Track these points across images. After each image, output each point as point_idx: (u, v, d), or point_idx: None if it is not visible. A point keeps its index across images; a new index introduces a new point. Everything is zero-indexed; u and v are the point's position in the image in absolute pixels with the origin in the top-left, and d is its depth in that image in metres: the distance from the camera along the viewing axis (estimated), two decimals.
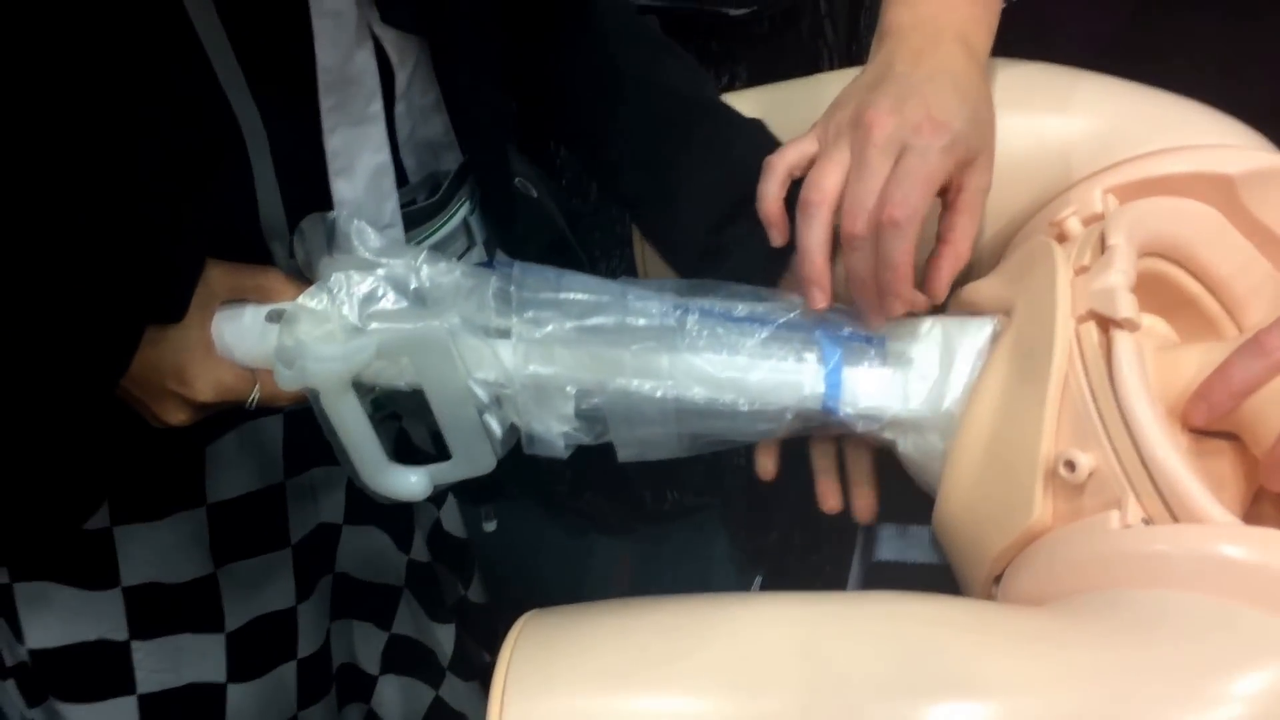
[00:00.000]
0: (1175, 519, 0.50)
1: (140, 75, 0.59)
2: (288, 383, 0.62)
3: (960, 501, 0.58)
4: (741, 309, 0.64)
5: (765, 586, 1.16)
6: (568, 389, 0.62)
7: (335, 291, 0.63)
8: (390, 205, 0.72)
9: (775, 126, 0.74)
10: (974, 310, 0.63)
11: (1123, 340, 0.52)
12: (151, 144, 0.61)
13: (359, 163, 0.69)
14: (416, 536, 0.98)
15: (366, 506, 0.90)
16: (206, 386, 0.64)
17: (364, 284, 0.63)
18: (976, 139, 0.61)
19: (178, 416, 0.66)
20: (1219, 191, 0.61)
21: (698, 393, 0.61)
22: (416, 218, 0.75)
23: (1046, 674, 0.46)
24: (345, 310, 0.62)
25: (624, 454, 0.64)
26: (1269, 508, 0.55)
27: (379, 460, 0.66)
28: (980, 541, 0.57)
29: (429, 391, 0.63)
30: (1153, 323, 0.62)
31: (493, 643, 1.14)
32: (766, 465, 0.70)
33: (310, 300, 0.63)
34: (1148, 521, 0.50)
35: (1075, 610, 0.50)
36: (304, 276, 0.67)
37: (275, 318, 0.64)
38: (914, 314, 0.63)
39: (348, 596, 0.96)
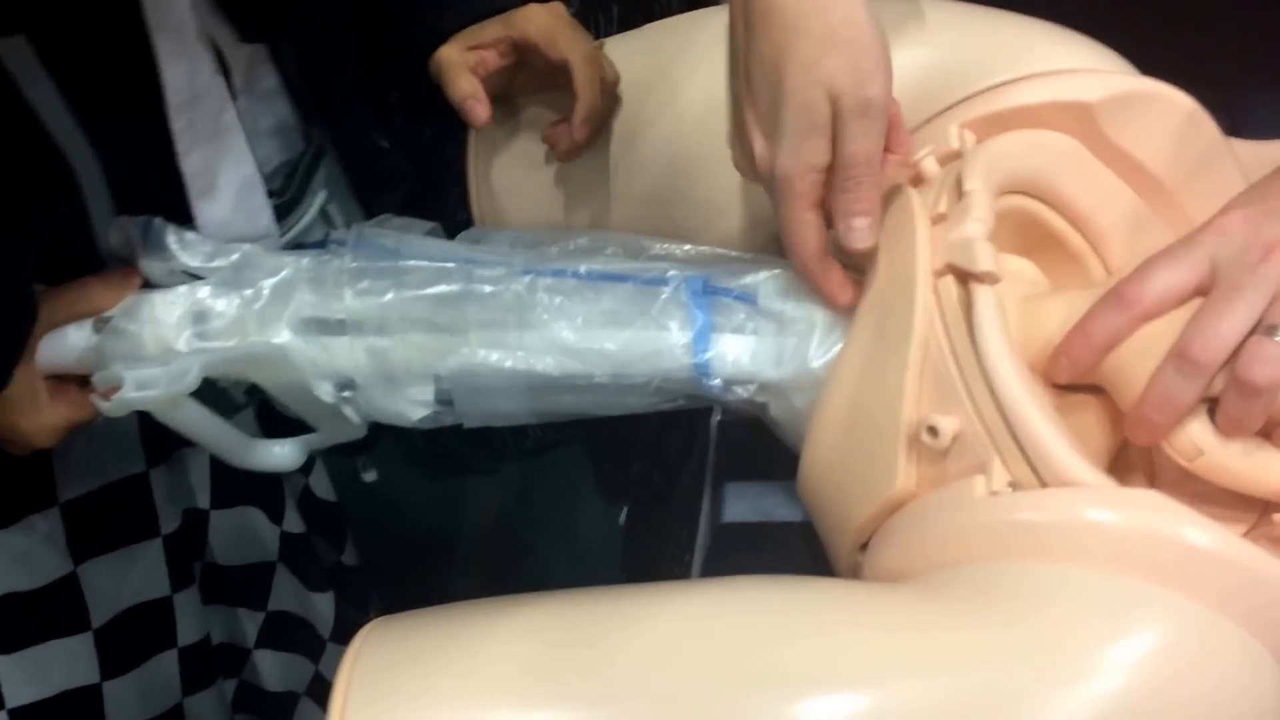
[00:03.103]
0: (1043, 483, 0.47)
1: None
2: (112, 411, 0.57)
3: (823, 468, 0.55)
4: (597, 267, 0.59)
5: (631, 518, 1.14)
6: (422, 375, 0.58)
7: (150, 309, 0.58)
8: (264, 219, 0.68)
9: (653, 70, 0.70)
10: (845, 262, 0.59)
11: (982, 295, 0.49)
12: None
13: (222, 180, 0.65)
14: (289, 507, 0.94)
15: (233, 487, 0.87)
16: (45, 436, 0.61)
17: (184, 298, 0.58)
18: None
19: (27, 452, 0.63)
20: (1078, 120, 0.58)
21: (550, 364, 0.56)
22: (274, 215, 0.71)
23: (910, 663, 0.44)
24: (164, 330, 0.57)
25: (470, 422, 0.60)
26: (1138, 458, 0.53)
27: (241, 443, 0.65)
28: (844, 510, 0.54)
29: (273, 393, 0.60)
30: (1020, 266, 0.60)
31: (368, 606, 1.12)
32: None
33: (126, 321, 0.58)
34: (1014, 486, 0.48)
35: (938, 587, 0.47)
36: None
37: (101, 326, 0.59)
38: (784, 267, 0.59)
39: (218, 583, 0.92)
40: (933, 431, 0.49)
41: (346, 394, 0.58)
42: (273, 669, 1.00)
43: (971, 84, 0.60)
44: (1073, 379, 0.52)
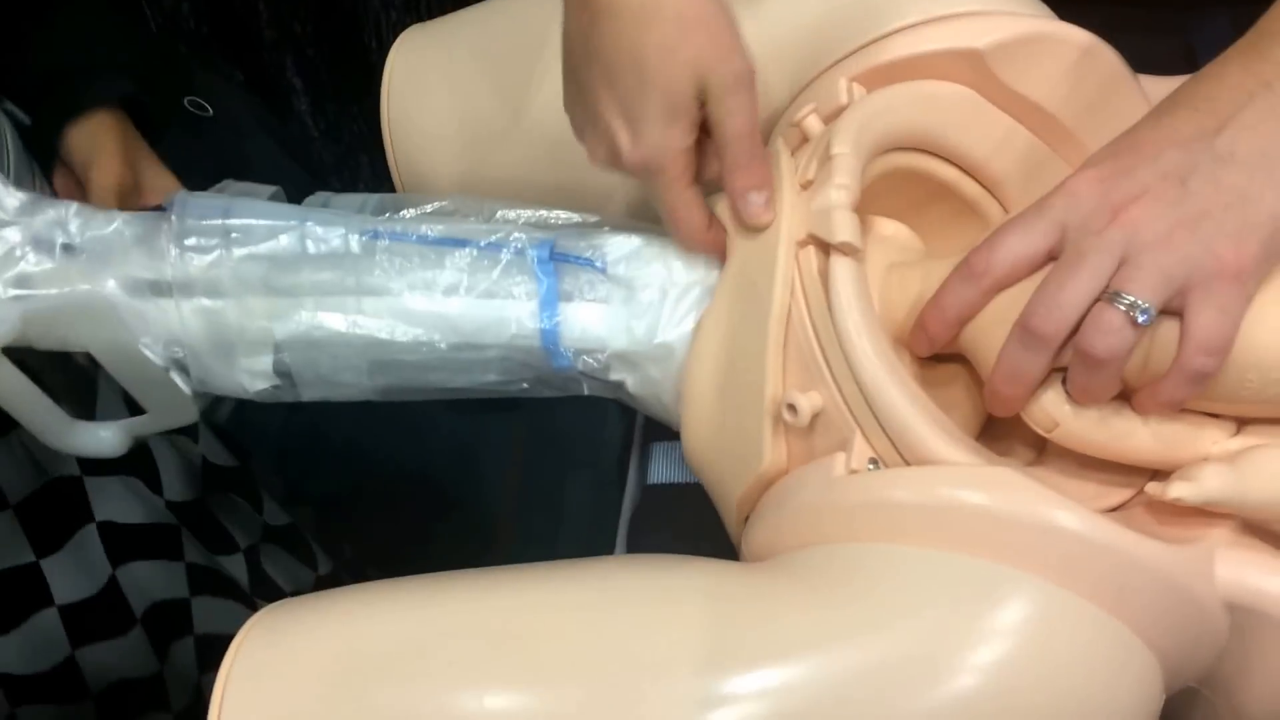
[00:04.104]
0: (906, 461, 0.46)
1: None
2: None
3: (699, 444, 0.54)
4: (441, 229, 0.57)
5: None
6: (259, 341, 0.55)
7: None
8: None
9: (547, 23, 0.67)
10: None
11: (840, 267, 0.47)
12: None
13: None
14: (169, 477, 0.94)
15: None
16: None
17: (2, 245, 0.54)
18: None
19: None
20: (969, 67, 0.55)
21: (389, 330, 0.55)
22: None
23: (743, 648, 0.43)
24: None
25: (309, 394, 0.58)
26: (1021, 426, 0.52)
27: (58, 421, 0.60)
28: (722, 485, 0.53)
29: (99, 357, 0.56)
30: (894, 231, 0.58)
31: (313, 560, 1.13)
32: None
33: None
34: (877, 463, 0.47)
35: (792, 568, 0.46)
36: None
37: None
38: (635, 233, 0.57)
39: (124, 540, 0.93)
40: (792, 409, 0.47)
41: (178, 353, 0.56)
42: (210, 614, 1.02)
43: (865, 34, 0.57)
44: (932, 352, 0.50)
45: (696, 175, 0.54)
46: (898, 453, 0.46)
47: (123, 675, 0.94)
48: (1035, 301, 0.45)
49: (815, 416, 0.47)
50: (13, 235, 0.55)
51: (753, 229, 0.53)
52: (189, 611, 1.01)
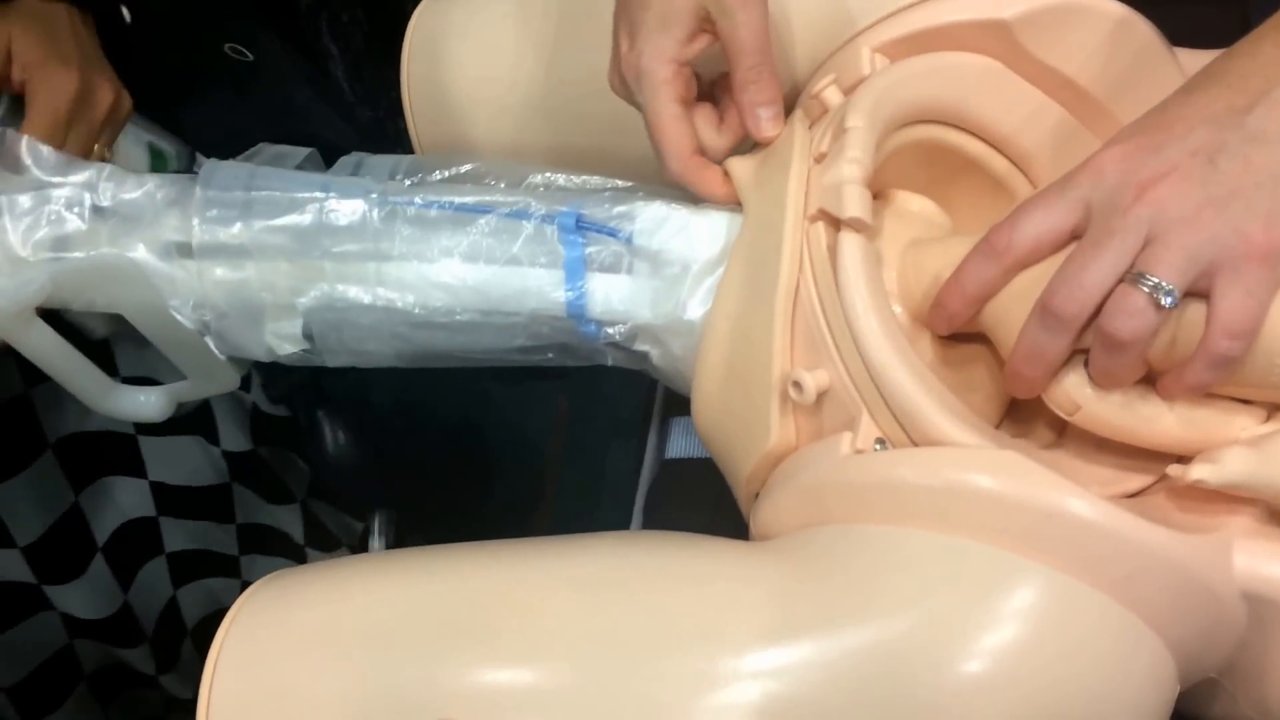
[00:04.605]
0: (913, 442, 0.45)
1: None
2: None
3: (709, 419, 0.53)
4: (465, 197, 0.56)
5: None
6: (286, 307, 0.56)
7: None
8: None
9: None
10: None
11: (847, 243, 0.46)
12: None
13: None
14: (225, 426, 0.95)
15: None
16: None
17: (31, 207, 0.55)
18: None
19: None
20: (997, 39, 0.54)
21: (410, 300, 0.54)
22: None
23: (751, 634, 0.43)
24: (10, 238, 0.55)
25: (333, 361, 0.58)
26: (1042, 407, 0.50)
27: (98, 384, 0.61)
28: (732, 461, 0.52)
29: (133, 320, 0.57)
30: (921, 207, 0.56)
31: (363, 511, 1.14)
32: None
33: None
34: (884, 443, 0.46)
35: (794, 548, 0.46)
36: None
37: None
38: (663, 201, 0.57)
39: (172, 500, 0.95)
40: (798, 387, 0.46)
41: (206, 316, 0.56)
42: (265, 571, 1.04)
43: (888, 3, 0.56)
44: (951, 330, 0.49)
45: (690, 98, 0.54)
46: (905, 433, 0.45)
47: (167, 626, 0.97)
48: (1056, 281, 0.43)
49: (823, 394, 0.46)
50: (45, 197, 0.56)
51: (762, 143, 0.54)
52: (238, 569, 1.03)
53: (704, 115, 0.56)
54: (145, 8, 0.86)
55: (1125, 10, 0.53)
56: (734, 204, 0.55)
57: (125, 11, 0.78)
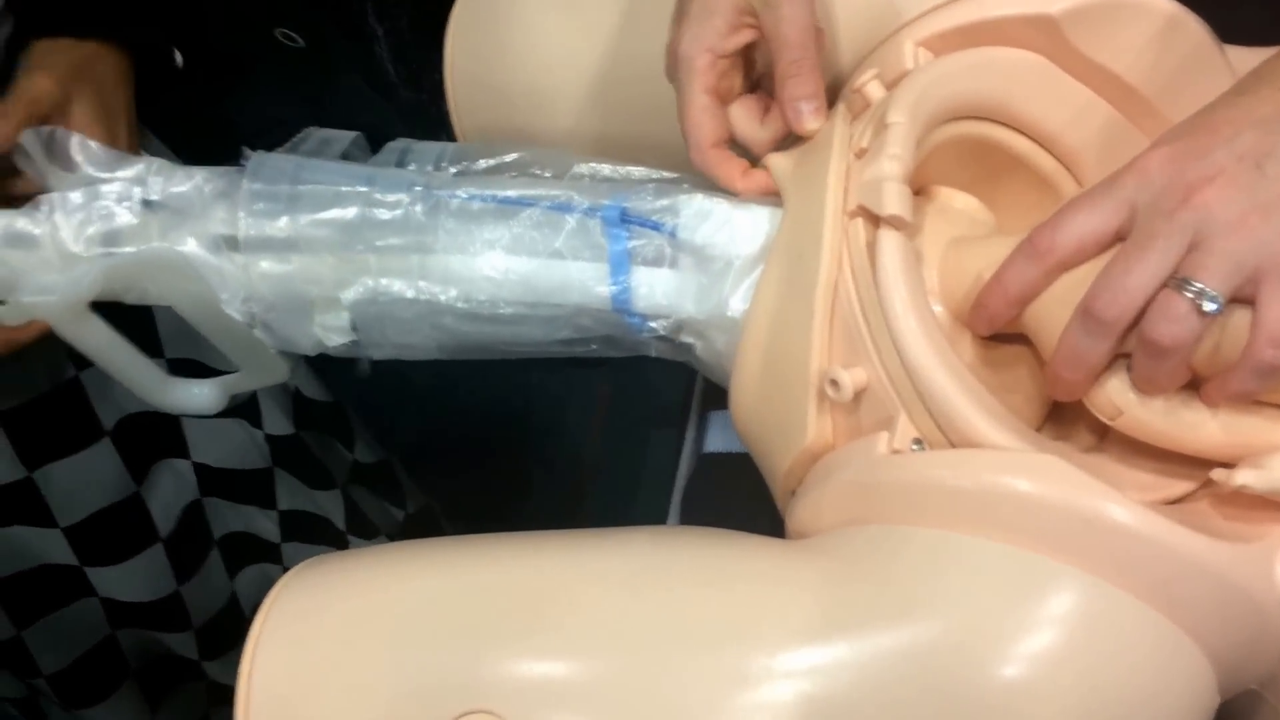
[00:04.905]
0: (951, 443, 0.44)
1: None
2: (7, 317, 0.56)
3: (746, 416, 0.53)
4: (509, 190, 0.57)
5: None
6: (331, 301, 0.56)
7: (49, 213, 0.56)
8: None
9: None
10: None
11: (887, 240, 0.46)
12: None
13: None
14: (268, 410, 0.96)
15: None
16: None
17: (82, 204, 0.56)
18: None
19: None
20: (1043, 34, 0.53)
21: (453, 295, 0.55)
22: None
23: (786, 634, 0.42)
24: (63, 235, 0.56)
25: (377, 354, 0.58)
26: (1081, 411, 0.50)
27: (156, 378, 0.62)
28: (769, 458, 0.52)
29: (183, 312, 0.58)
30: (965, 205, 0.55)
31: (403, 499, 1.14)
32: None
33: (21, 222, 0.56)
34: (921, 444, 0.45)
35: (830, 548, 0.45)
36: None
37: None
38: (706, 194, 0.56)
39: (215, 482, 0.96)
40: (835, 385, 0.46)
41: (254, 309, 0.57)
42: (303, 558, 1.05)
43: None
44: (991, 331, 0.48)
45: (723, 90, 0.55)
46: (943, 434, 0.44)
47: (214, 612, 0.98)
48: (1099, 284, 0.43)
49: (860, 393, 0.46)
50: (95, 193, 0.57)
51: (803, 137, 0.53)
52: (279, 556, 1.04)
53: (747, 107, 0.56)
54: None
55: (1176, 7, 0.53)
56: (770, 196, 0.54)
57: (178, 55, 0.79)
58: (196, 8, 0.81)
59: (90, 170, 0.58)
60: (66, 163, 0.58)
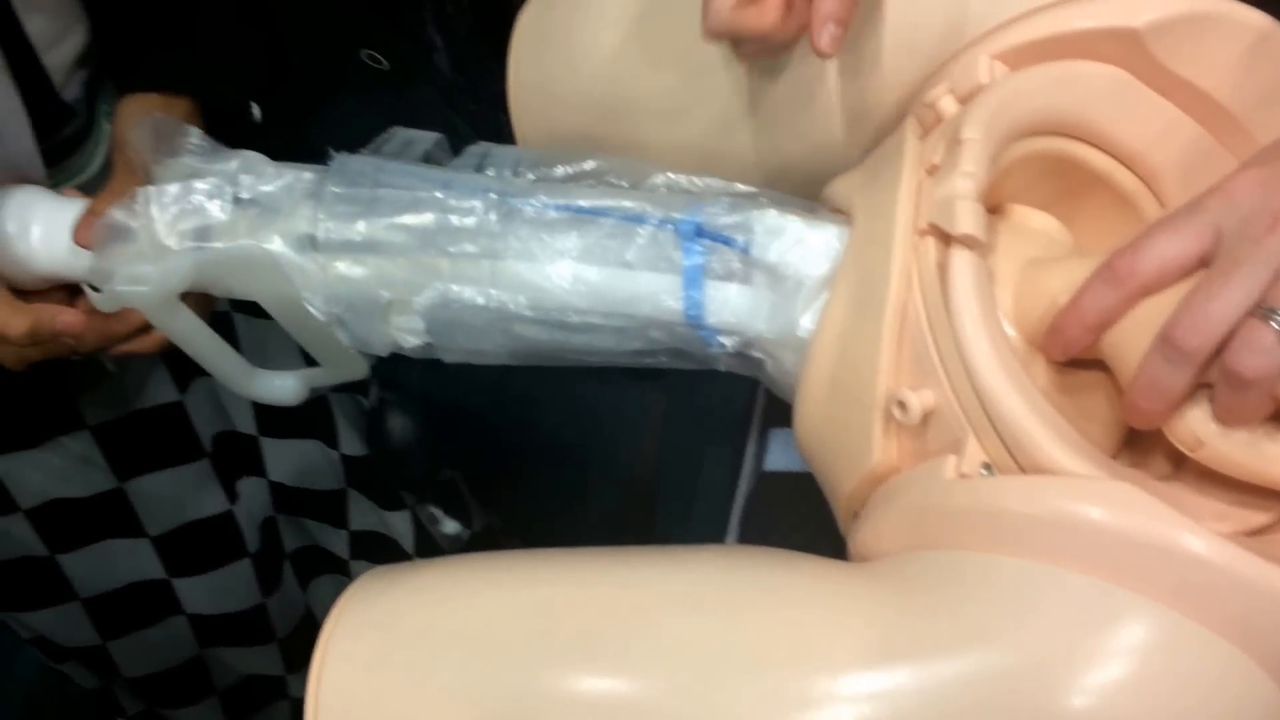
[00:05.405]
0: (1021, 468, 0.43)
1: None
2: (101, 304, 0.58)
3: (810, 436, 0.52)
4: (584, 200, 0.56)
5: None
6: (405, 304, 0.57)
7: (145, 206, 0.57)
8: (24, 146, 0.68)
9: None
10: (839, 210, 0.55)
11: (958, 260, 0.45)
12: None
13: None
14: (346, 431, 0.97)
15: (278, 418, 0.91)
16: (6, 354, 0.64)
17: (177, 198, 0.57)
18: None
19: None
20: (1126, 48, 0.52)
21: (523, 303, 0.55)
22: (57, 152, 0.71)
23: (844, 658, 0.42)
24: (157, 228, 0.57)
25: (449, 357, 0.59)
26: (1159, 440, 0.48)
27: (242, 369, 0.64)
28: (832, 479, 0.51)
29: (268, 307, 0.59)
30: (1043, 224, 0.54)
31: (468, 517, 1.15)
32: None
33: (125, 216, 0.58)
34: (990, 468, 0.44)
35: (894, 573, 0.45)
36: None
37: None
38: (782, 210, 0.55)
39: (289, 500, 0.97)
40: (902, 406, 0.45)
41: (337, 310, 0.58)
42: None
43: (1009, 8, 0.54)
44: (1067, 357, 0.47)
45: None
46: (1013, 459, 0.43)
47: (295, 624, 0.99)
48: (1180, 312, 0.41)
49: (928, 415, 0.45)
50: (189, 188, 0.58)
51: (818, 54, 0.52)
52: (348, 570, 1.05)
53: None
54: (286, 17, 0.88)
55: (1269, 22, 0.51)
56: (840, 214, 0.54)
57: (256, 110, 0.81)
58: (281, 36, 0.82)
59: (190, 158, 0.59)
60: (169, 148, 0.59)
